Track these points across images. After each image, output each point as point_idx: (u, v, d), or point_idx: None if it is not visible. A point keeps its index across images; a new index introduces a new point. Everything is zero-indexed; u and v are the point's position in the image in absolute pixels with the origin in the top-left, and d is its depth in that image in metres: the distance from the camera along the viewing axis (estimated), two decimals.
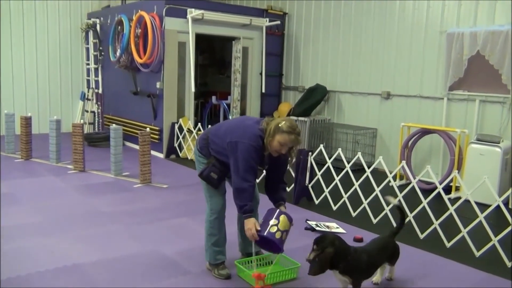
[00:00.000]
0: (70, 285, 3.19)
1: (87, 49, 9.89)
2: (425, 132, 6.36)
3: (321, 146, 5.45)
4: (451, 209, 4.16)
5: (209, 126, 7.07)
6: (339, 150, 5.24)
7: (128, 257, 3.70)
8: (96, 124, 9.67)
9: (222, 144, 3.24)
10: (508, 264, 3.77)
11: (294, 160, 3.40)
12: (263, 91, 8.69)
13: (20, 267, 3.42)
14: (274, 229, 3.12)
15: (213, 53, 11.58)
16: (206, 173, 3.31)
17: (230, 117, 7.76)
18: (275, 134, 3.08)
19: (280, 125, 3.08)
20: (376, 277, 3.39)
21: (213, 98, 7.79)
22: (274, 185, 3.42)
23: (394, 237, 3.41)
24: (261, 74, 8.69)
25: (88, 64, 9.94)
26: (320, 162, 5.59)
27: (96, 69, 9.74)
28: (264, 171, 3.48)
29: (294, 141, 3.13)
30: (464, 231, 4.05)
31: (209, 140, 3.35)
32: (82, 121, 9.07)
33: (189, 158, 7.64)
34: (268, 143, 3.11)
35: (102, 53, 9.49)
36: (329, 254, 2.88)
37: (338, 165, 5.43)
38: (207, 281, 3.33)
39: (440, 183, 4.46)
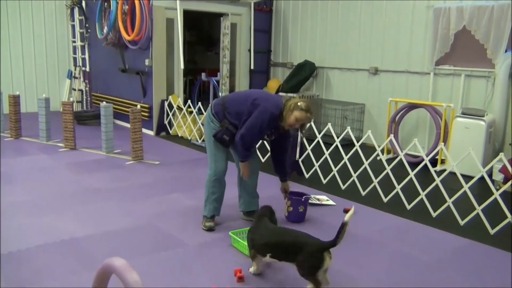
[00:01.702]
0: (70, 258, 3.27)
1: (73, 26, 9.75)
2: (412, 106, 6.48)
3: (311, 122, 5.54)
4: (437, 180, 4.30)
5: (199, 103, 7.18)
6: (329, 125, 5.33)
7: (123, 231, 3.78)
8: (84, 102, 9.62)
9: (240, 106, 3.61)
10: (491, 231, 3.94)
11: (304, 135, 3.95)
12: (252, 67, 8.71)
13: (19, 243, 3.48)
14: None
15: (201, 30, 11.50)
16: (220, 135, 3.66)
17: (219, 94, 7.78)
18: (294, 110, 3.48)
19: (299, 104, 3.51)
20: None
21: (203, 74, 7.79)
22: (279, 161, 3.94)
23: (317, 249, 2.75)
24: (249, 50, 8.70)
25: (74, 42, 9.82)
26: (310, 138, 5.69)
27: (82, 47, 9.64)
28: (269, 147, 3.97)
29: (308, 118, 3.57)
30: (449, 201, 4.20)
31: (226, 105, 3.69)
32: (71, 99, 9.04)
33: (179, 135, 7.68)
34: (286, 116, 3.50)
35: (89, 30, 9.38)
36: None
37: (328, 140, 5.53)
38: (204, 253, 3.43)
39: (427, 156, 4.59)
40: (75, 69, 9.86)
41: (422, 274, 3.21)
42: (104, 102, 6.43)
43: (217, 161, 3.77)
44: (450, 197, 4.21)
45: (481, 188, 4.62)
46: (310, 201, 4.48)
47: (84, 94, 9.62)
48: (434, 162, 6.01)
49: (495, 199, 3.97)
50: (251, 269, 3.10)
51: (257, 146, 4.20)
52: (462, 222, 4.11)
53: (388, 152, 6.69)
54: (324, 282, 2.78)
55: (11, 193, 4.64)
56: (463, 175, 4.28)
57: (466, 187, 4.11)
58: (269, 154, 5.76)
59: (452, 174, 4.47)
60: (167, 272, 3.11)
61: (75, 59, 9.91)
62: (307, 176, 5.45)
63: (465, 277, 3.19)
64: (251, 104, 3.56)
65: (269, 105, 3.52)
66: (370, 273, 3.20)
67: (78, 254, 3.35)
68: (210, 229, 3.81)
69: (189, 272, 3.13)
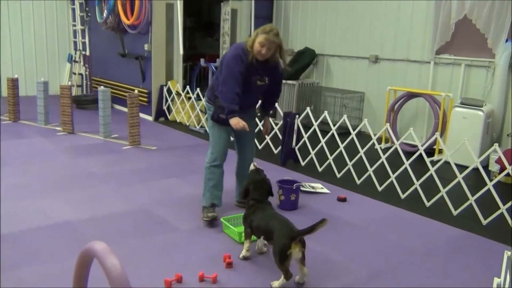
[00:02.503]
0: (63, 240, 3.29)
1: (73, 9, 9.71)
2: (411, 95, 6.45)
3: (308, 109, 5.53)
4: (432, 170, 4.30)
5: (198, 89, 7.16)
6: (325, 112, 5.31)
7: (118, 215, 3.80)
8: (84, 86, 9.61)
9: (219, 77, 3.58)
10: (484, 222, 3.94)
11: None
12: None
13: (12, 225, 3.50)
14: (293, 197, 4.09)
15: (201, 16, 11.43)
16: (216, 115, 3.64)
17: None
18: (256, 38, 3.45)
19: (258, 30, 3.48)
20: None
21: (202, 60, 7.77)
22: (269, 101, 3.94)
23: (287, 236, 2.72)
24: (249, 36, 8.63)
25: (74, 26, 9.79)
26: (308, 125, 5.68)
27: (83, 31, 9.60)
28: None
29: (271, 39, 3.43)
30: (443, 191, 4.20)
31: (213, 86, 3.69)
32: (69, 83, 9.03)
33: (178, 120, 7.68)
34: (252, 48, 3.45)
35: (89, 14, 9.33)
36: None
37: (325, 128, 5.52)
38: (197, 237, 3.45)
39: (423, 146, 4.58)
40: (75, 53, 9.84)
41: (413, 262, 3.22)
42: (102, 87, 6.42)
43: (215, 148, 3.75)
44: (444, 187, 4.21)
45: (477, 179, 4.62)
46: (303, 188, 4.49)
47: (84, 78, 9.61)
48: (432, 152, 6.00)
49: (489, 189, 3.96)
50: (241, 254, 3.13)
51: (256, 106, 3.99)
52: (455, 212, 4.11)
53: (386, 141, 6.68)
54: (300, 275, 2.79)
55: (7, 176, 4.65)
56: (460, 165, 4.27)
57: (460, 177, 4.10)
58: (266, 141, 5.82)
59: (448, 164, 4.46)
60: (157, 255, 3.13)
61: (75, 43, 9.88)
62: (303, 164, 5.45)
63: (455, 266, 3.20)
64: (220, 66, 3.61)
65: (229, 53, 3.54)
66: (359, 259, 3.21)
67: (71, 237, 3.37)
68: (213, 219, 3.63)
69: (179, 256, 3.15)
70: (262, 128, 4.11)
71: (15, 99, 7.04)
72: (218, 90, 3.55)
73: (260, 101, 3.97)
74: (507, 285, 2.06)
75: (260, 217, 3.05)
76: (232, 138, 3.92)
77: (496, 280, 2.04)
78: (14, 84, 7.00)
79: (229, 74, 3.47)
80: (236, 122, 3.47)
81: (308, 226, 2.71)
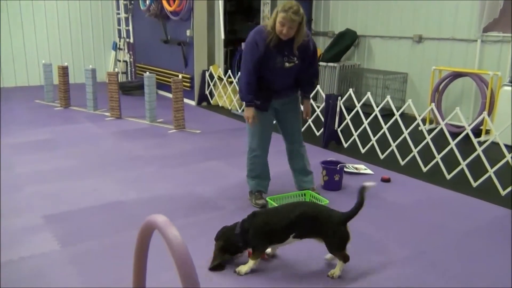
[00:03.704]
0: (116, 218, 3.47)
1: None
2: (456, 75, 6.29)
3: (350, 91, 5.50)
4: (479, 150, 4.22)
5: (239, 73, 7.22)
6: (368, 94, 5.28)
7: (164, 195, 3.96)
8: (129, 73, 9.89)
9: None
10: None
11: (311, 54, 3.55)
12: None
13: (66, 204, 3.71)
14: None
15: (241, 0, 11.45)
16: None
17: None
18: (275, 17, 3.27)
19: (278, 9, 3.27)
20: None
21: (243, 45, 7.83)
22: (306, 81, 3.68)
23: (341, 222, 2.68)
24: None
25: (118, 14, 10.04)
26: (350, 108, 5.66)
27: (126, 19, 9.84)
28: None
29: (290, 18, 3.21)
30: (491, 171, 4.12)
31: None
32: (116, 69, 9.30)
33: (220, 105, 7.80)
34: (274, 29, 3.30)
35: (132, 1, 9.55)
36: (217, 245, 2.79)
37: (367, 111, 5.49)
38: (242, 216, 3.55)
39: (470, 126, 4.49)
40: (119, 41, 10.11)
41: (456, 244, 3.19)
42: (147, 73, 6.60)
43: (253, 137, 3.65)
44: (492, 167, 4.13)
45: None
46: (346, 169, 4.51)
47: (129, 65, 9.88)
48: (478, 133, 5.86)
49: None
50: (244, 270, 2.74)
51: (294, 88, 3.73)
52: (503, 192, 4.03)
53: (431, 122, 6.57)
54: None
55: (58, 159, 4.90)
56: (508, 146, 4.17)
57: (508, 156, 4.01)
58: (307, 123, 5.83)
59: (496, 144, 4.37)
60: (205, 233, 3.25)
61: (119, 30, 10.15)
62: (345, 145, 5.45)
63: (500, 247, 3.16)
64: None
65: (247, 38, 3.44)
66: (401, 239, 3.21)
67: (122, 215, 3.55)
68: (262, 207, 3.61)
69: None
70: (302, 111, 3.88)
71: (66, 86, 7.34)
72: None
73: (300, 83, 3.72)
74: None
75: (278, 216, 2.75)
76: (274, 121, 3.81)
77: None
78: (64, 71, 7.30)
79: (243, 63, 3.45)
80: (247, 115, 3.52)
81: (355, 204, 2.67)
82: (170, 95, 5.95)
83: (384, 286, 2.64)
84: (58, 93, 7.46)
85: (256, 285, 2.64)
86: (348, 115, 5.41)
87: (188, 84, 7.95)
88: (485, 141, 4.49)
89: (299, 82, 3.67)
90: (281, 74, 3.50)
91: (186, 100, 7.74)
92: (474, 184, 4.23)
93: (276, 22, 3.26)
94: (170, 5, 7.85)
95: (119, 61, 10.12)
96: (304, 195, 3.80)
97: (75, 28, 9.83)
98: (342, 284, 2.65)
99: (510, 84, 5.62)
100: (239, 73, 3.55)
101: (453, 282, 2.69)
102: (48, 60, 9.12)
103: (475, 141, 4.34)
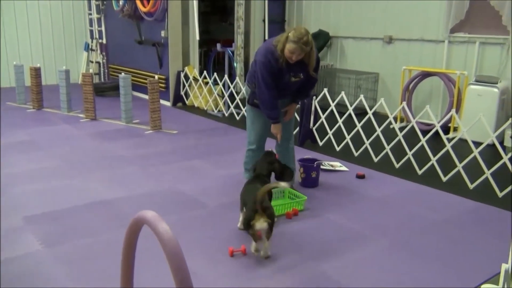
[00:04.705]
0: (102, 217, 3.50)
1: None
2: (425, 74, 6.53)
3: (325, 90, 5.65)
4: (448, 146, 4.42)
5: (214, 74, 7.30)
6: (342, 93, 5.43)
7: (149, 194, 4.01)
8: (102, 74, 9.81)
9: (251, 69, 3.77)
10: (499, 194, 4.07)
11: (314, 66, 3.66)
12: (266, 38, 8.75)
13: (51, 204, 3.71)
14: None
15: (215, 0, 11.49)
16: (251, 100, 3.82)
17: (235, 64, 7.88)
18: (285, 43, 3.41)
19: (289, 35, 3.40)
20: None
21: (218, 45, 7.88)
22: (303, 92, 3.88)
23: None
24: (264, 21, 8.73)
25: (90, 14, 9.94)
26: (324, 107, 5.80)
27: (99, 19, 9.76)
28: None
29: (299, 49, 3.39)
30: (459, 166, 4.32)
31: (250, 71, 3.80)
32: (91, 71, 9.22)
33: (195, 105, 7.85)
34: (283, 53, 3.45)
35: (104, 2, 9.48)
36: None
37: (341, 110, 5.64)
38: (225, 214, 3.63)
39: (439, 123, 4.69)
40: (92, 42, 10.02)
41: (428, 230, 3.38)
42: (122, 73, 6.59)
43: (250, 132, 3.93)
44: (460, 162, 4.33)
45: (492, 154, 4.72)
46: (322, 167, 4.64)
47: (101, 66, 9.80)
48: (446, 130, 6.10)
49: (505, 163, 4.08)
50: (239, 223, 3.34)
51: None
52: (471, 186, 4.24)
53: (402, 120, 6.79)
54: (263, 250, 2.94)
55: (38, 159, 4.87)
56: (475, 142, 4.38)
57: (476, 152, 4.22)
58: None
59: (463, 140, 4.58)
60: (190, 230, 3.32)
61: (91, 31, 10.05)
62: (321, 143, 5.59)
63: (471, 235, 3.34)
64: (253, 63, 3.69)
65: (258, 57, 3.56)
66: (380, 229, 3.37)
67: (110, 213, 3.58)
68: None
69: (210, 230, 3.33)
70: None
71: (38, 88, 7.25)
72: (257, 95, 3.68)
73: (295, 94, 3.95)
74: None
75: (243, 190, 3.29)
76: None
77: (504, 266, 2.13)
78: (36, 73, 7.21)
79: (261, 80, 3.56)
80: (275, 131, 3.77)
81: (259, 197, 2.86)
82: (144, 96, 5.97)
83: (369, 274, 2.77)
84: (31, 94, 7.36)
85: (255, 285, 2.72)
86: (323, 114, 5.55)
87: (163, 85, 7.96)
88: (453, 138, 4.70)
89: (297, 92, 3.87)
90: (286, 87, 3.73)
91: (161, 101, 7.73)
92: (444, 179, 4.43)
93: (286, 50, 3.42)
94: (144, 6, 7.85)
95: (92, 62, 10.02)
96: (283, 191, 3.91)
97: (46, 29, 9.68)
98: (326, 275, 2.76)
99: (476, 82, 5.87)
100: (256, 89, 3.65)
101: (436, 265, 2.85)
102: (18, 61, 8.96)
103: (444, 137, 4.54)
